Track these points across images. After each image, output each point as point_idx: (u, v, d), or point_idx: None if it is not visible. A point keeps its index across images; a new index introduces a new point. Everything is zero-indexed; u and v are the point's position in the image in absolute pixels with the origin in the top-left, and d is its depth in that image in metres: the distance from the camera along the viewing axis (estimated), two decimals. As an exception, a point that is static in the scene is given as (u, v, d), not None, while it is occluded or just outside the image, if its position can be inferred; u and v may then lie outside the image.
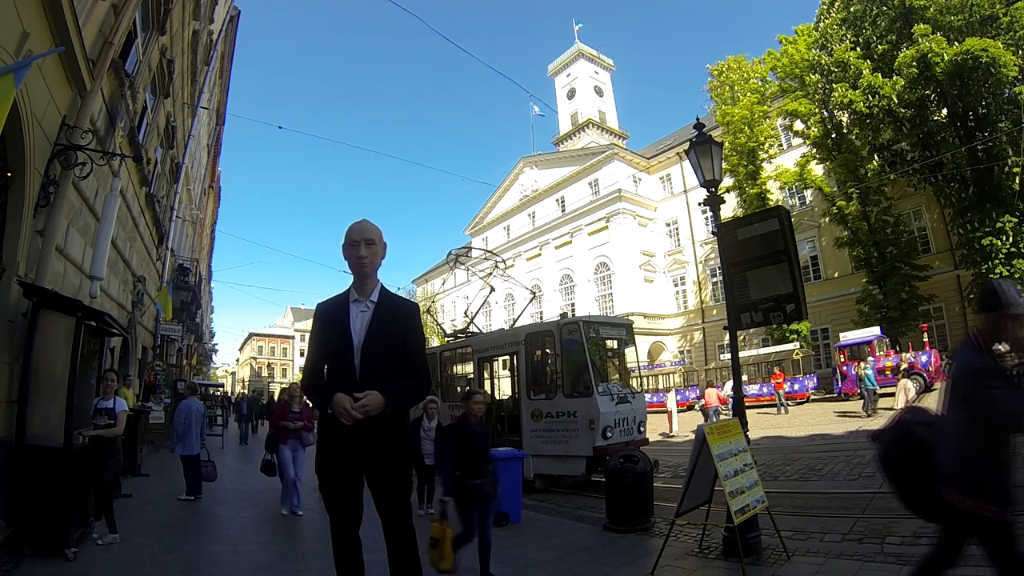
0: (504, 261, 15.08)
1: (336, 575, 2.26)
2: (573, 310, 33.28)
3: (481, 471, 3.82)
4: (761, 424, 14.41)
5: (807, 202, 27.16)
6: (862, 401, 15.05)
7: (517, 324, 11.77)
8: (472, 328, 12.86)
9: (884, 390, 15.67)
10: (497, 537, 5.33)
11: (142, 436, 9.95)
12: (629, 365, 9.77)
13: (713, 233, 5.34)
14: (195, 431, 7.31)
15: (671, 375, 27.84)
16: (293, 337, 76.83)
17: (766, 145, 24.48)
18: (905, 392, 13.10)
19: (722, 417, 14.52)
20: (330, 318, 2.33)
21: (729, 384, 14.83)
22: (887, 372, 16.85)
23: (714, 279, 30.71)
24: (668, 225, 35.17)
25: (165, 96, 10.55)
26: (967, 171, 18.23)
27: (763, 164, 24.61)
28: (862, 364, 16.40)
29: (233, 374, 78.19)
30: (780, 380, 19.37)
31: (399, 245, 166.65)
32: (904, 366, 15.99)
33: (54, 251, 5.47)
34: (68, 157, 5.38)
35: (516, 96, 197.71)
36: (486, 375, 10.40)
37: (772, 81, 24.21)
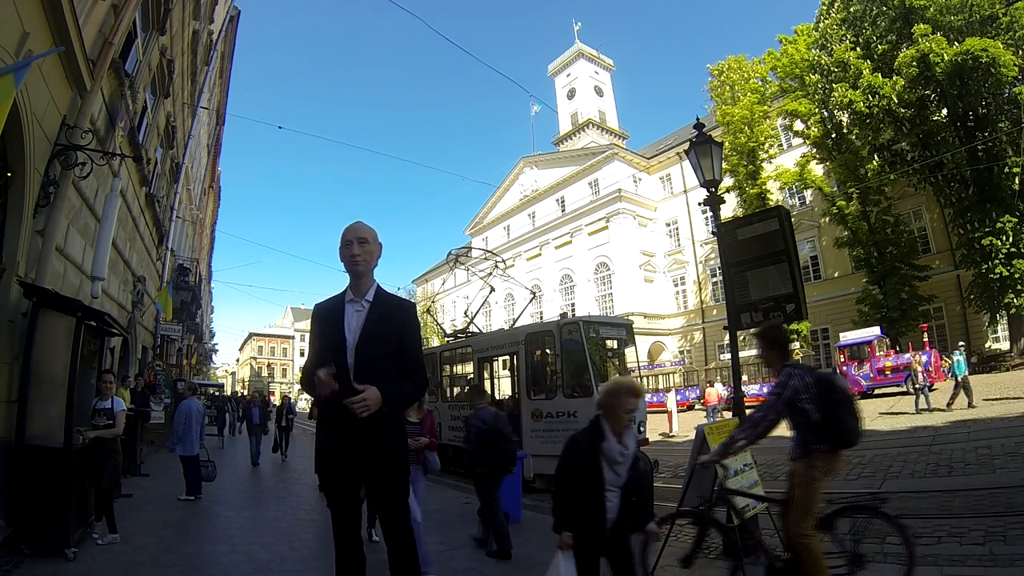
0: (504, 261, 15.08)
1: (336, 574, 2.25)
2: (573, 310, 33.26)
3: None
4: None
5: (807, 202, 27.16)
6: (953, 395, 11.73)
7: (517, 324, 11.77)
8: (472, 328, 12.86)
9: (893, 389, 15.66)
10: (497, 537, 5.34)
11: (142, 436, 9.95)
12: (629, 365, 9.77)
13: (713, 233, 5.34)
14: (195, 431, 7.32)
15: (671, 375, 27.87)
16: (293, 337, 76.84)
17: (766, 145, 24.48)
18: None
19: (720, 416, 14.53)
20: (326, 317, 2.34)
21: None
22: (887, 372, 16.87)
23: (714, 279, 30.70)
24: (668, 225, 35.17)
25: (165, 96, 10.55)
26: (967, 171, 18.25)
27: (763, 164, 24.61)
28: (945, 355, 13.93)
29: (233, 374, 78.21)
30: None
31: (399, 245, 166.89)
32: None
33: (54, 251, 5.47)
34: (68, 157, 5.38)
35: (516, 96, 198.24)
36: (486, 375, 10.40)
37: (772, 81, 24.23)
